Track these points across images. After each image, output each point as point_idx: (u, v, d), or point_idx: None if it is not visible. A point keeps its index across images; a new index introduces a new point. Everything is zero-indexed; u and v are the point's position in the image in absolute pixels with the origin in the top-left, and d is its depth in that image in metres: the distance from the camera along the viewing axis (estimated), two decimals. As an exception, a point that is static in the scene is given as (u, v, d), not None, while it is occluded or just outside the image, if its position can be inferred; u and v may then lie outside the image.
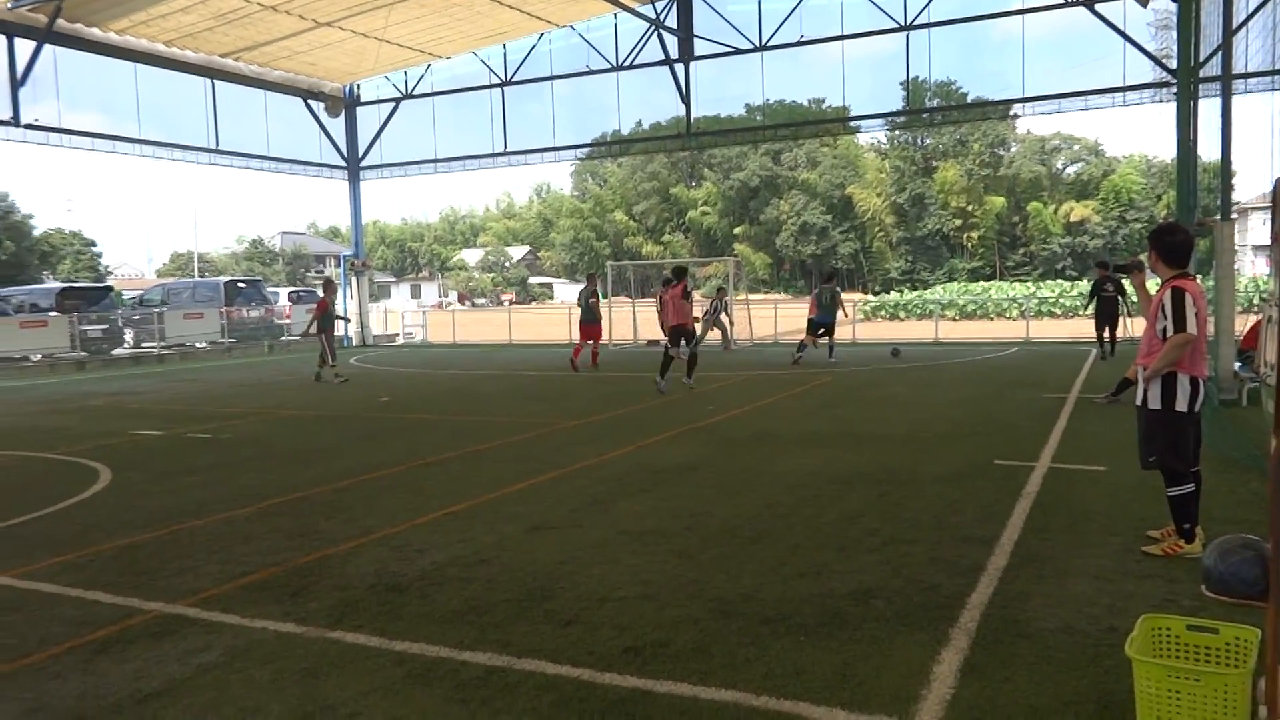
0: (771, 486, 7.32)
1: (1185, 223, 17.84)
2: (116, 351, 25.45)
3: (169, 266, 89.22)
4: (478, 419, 12.05)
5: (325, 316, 17.22)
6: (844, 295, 18.70)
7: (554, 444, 9.75)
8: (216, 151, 25.52)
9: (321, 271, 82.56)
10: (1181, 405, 5.17)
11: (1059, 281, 50.50)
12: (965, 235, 70.35)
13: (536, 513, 6.68)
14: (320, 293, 18.11)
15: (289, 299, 31.39)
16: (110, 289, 29.86)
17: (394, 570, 5.40)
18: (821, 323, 18.48)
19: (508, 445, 9.71)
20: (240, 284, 29.60)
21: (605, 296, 23.78)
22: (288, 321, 29.73)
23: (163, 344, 25.36)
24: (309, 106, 28.01)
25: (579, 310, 19.48)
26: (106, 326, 25.18)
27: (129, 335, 27.12)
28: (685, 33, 24.08)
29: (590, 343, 19.25)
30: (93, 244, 78.04)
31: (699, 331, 22.23)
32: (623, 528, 6.20)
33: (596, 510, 6.72)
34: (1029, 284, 49.47)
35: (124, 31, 22.34)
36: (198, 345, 26.37)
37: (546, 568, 5.36)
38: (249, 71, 25.68)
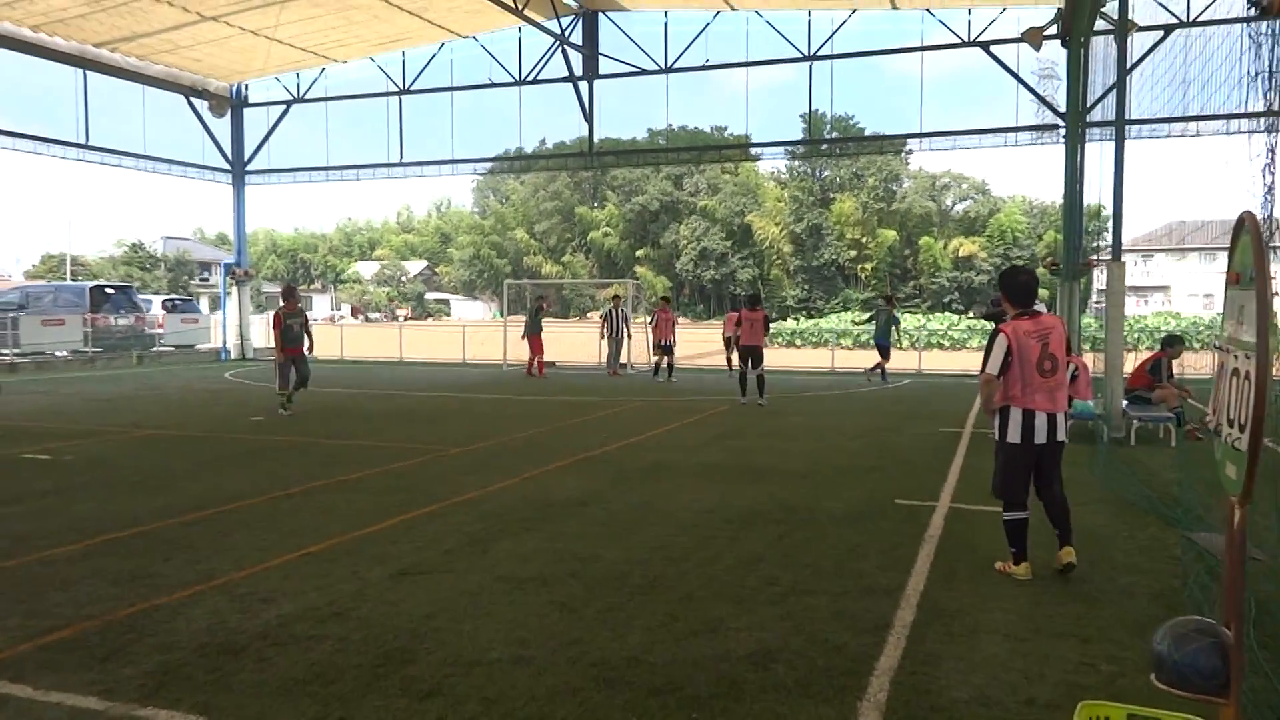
0: (665, 525, 6.85)
1: (1072, 260, 18.44)
2: (-37, 359, 23.38)
3: (39, 269, 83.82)
4: (355, 443, 11.25)
5: (284, 332, 13.92)
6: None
7: (435, 473, 9.08)
8: (86, 147, 23.84)
9: (207, 279, 79.09)
10: (1013, 437, 5.45)
11: (947, 314, 51.97)
12: (860, 266, 72.07)
13: (406, 554, 6.04)
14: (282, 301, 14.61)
15: (163, 307, 29.55)
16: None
17: (232, 626, 4.69)
18: (880, 345, 19.64)
19: (384, 474, 8.99)
20: (108, 289, 27.72)
21: (502, 315, 23.16)
22: (160, 331, 27.98)
23: (16, 352, 23.43)
24: (192, 105, 26.51)
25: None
26: (-48, 332, 23.14)
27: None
28: (590, 50, 23.73)
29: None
30: (-49, 242, 72.93)
31: (609, 349, 21.87)
32: (501, 573, 5.62)
33: (474, 551, 6.12)
34: (919, 316, 50.75)
35: (-16, 13, 20.68)
36: (58, 355, 24.48)
37: (410, 623, 4.74)
38: (126, 64, 24.13)
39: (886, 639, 4.50)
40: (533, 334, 21.49)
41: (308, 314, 14.81)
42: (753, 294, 17.57)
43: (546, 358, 23.28)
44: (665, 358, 20.61)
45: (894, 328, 20.82)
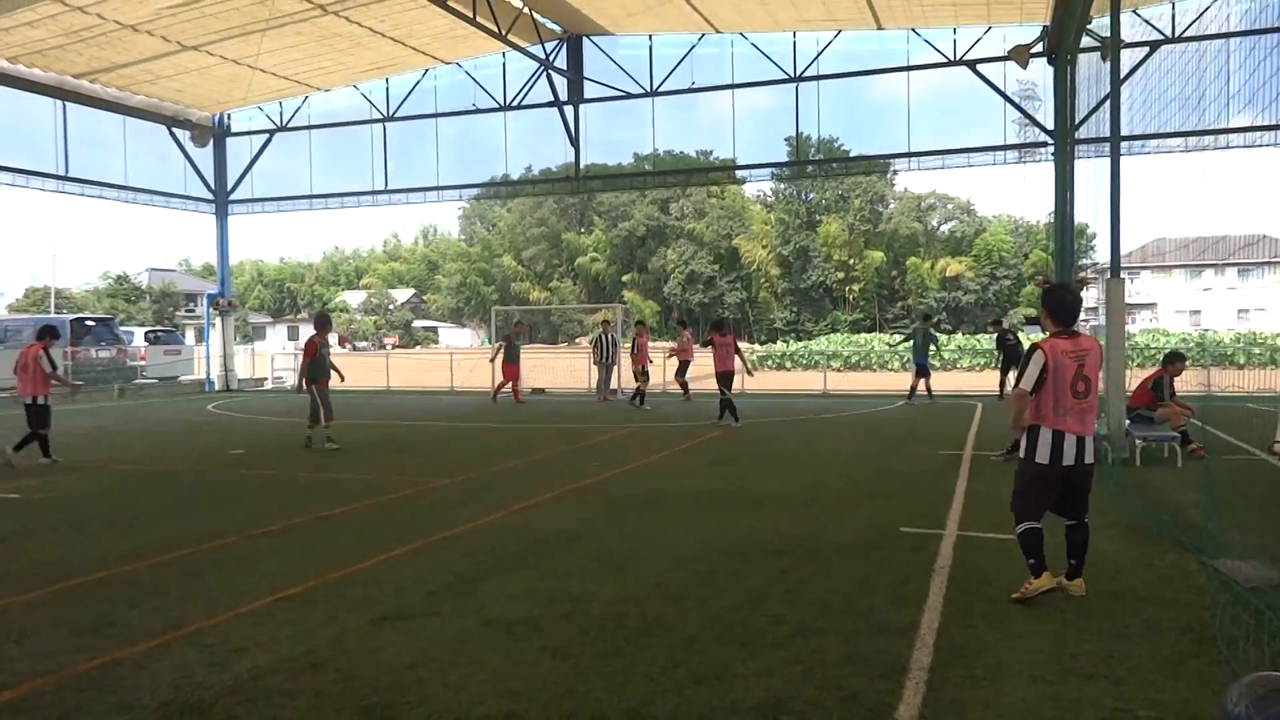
0: (662, 560, 6.52)
1: (1066, 280, 18.30)
2: (-61, 394, 22.89)
3: (23, 302, 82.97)
4: (337, 475, 10.89)
5: (315, 363, 13.12)
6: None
7: (420, 506, 8.74)
8: (66, 179, 23.52)
9: (192, 310, 78.50)
10: (1041, 457, 5.32)
11: (938, 334, 51.89)
12: (847, 288, 72.11)
13: (388, 596, 5.69)
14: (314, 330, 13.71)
15: (146, 339, 29.12)
16: (-66, 324, 27.11)
17: (198, 681, 4.34)
18: (920, 365, 19.53)
19: (367, 509, 8.64)
20: (89, 322, 27.27)
21: (490, 341, 22.86)
22: (143, 363, 27.54)
23: (-6, 386, 22.93)
24: (174, 135, 26.24)
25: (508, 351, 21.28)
26: (-72, 366, 22.62)
27: (-44, 376, 24.52)
28: (575, 74, 23.61)
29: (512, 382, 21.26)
30: (-66, 276, 72.37)
31: (599, 374, 21.56)
32: (490, 615, 5.28)
33: (461, 592, 5.78)
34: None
35: (-40, 44, 20.40)
36: (37, 388, 23.98)
37: (391, 674, 4.40)
38: (106, 95, 23.87)
39: (904, 684, 4.19)
40: (509, 361, 21.22)
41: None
42: (720, 319, 17.28)
43: (539, 384, 23.03)
44: (642, 384, 20.18)
45: (933, 346, 20.67)
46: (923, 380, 19.54)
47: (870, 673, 4.33)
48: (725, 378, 15.42)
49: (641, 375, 20.20)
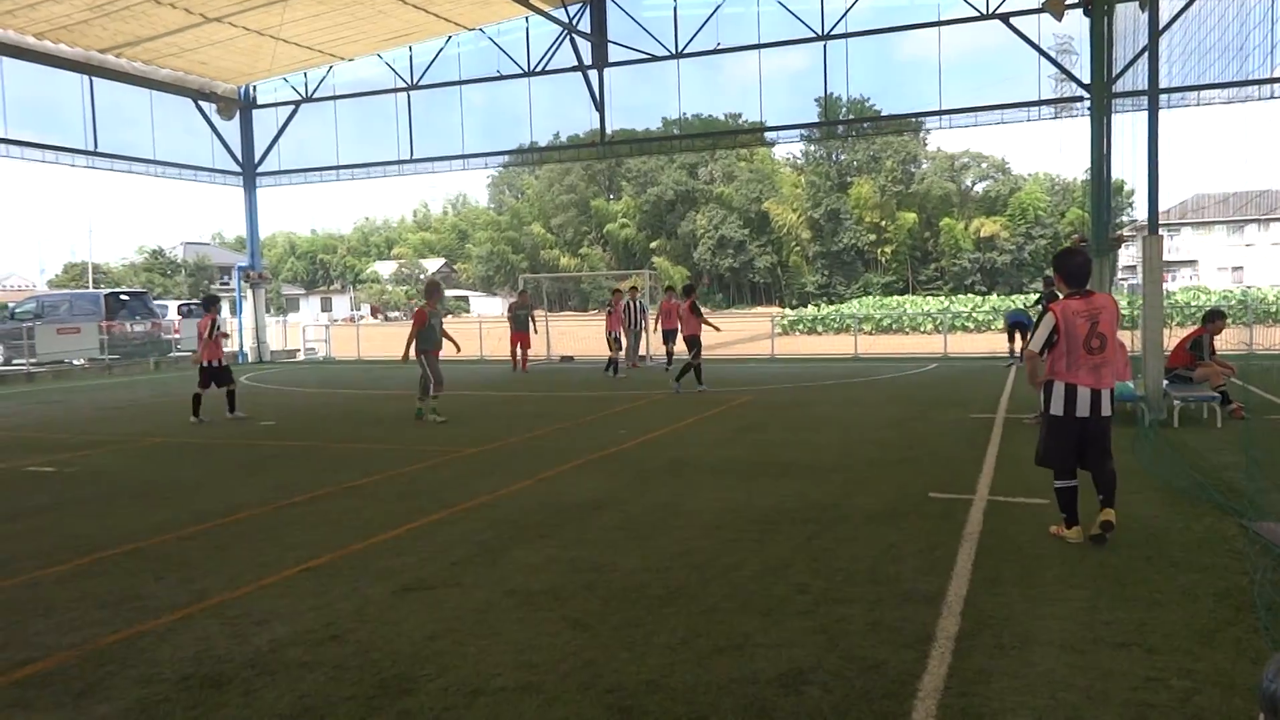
0: (686, 528, 6.46)
1: (1100, 237, 17.88)
2: (-19, 369, 23.37)
3: (62, 278, 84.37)
4: (365, 446, 10.94)
5: (424, 332, 12.48)
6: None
7: (446, 476, 8.74)
8: (95, 154, 23.70)
9: (227, 283, 79.34)
10: (1055, 409, 5.67)
11: (970, 296, 51.20)
12: (879, 250, 71.26)
13: (411, 567, 5.69)
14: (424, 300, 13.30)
15: (179, 312, 29.45)
16: (-27, 301, 27.59)
17: (219, 653, 4.35)
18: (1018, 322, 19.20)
19: (393, 478, 8.66)
20: (123, 296, 27.61)
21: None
22: (177, 336, 27.86)
23: (33, 361, 23.35)
24: (200, 108, 26.34)
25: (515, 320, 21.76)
26: (-31, 343, 23.10)
27: (-2, 352, 25.02)
28: (599, 38, 23.31)
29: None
30: (-25, 253, 73.72)
31: (624, 341, 21.47)
32: (511, 586, 5.26)
33: (483, 562, 5.76)
34: (942, 298, 50.01)
35: (-12, 22, 20.52)
36: (75, 363, 24.41)
37: (411, 645, 4.38)
38: (132, 69, 23.96)
39: (930, 653, 4.10)
40: (519, 330, 21.57)
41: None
42: (688, 284, 17.69)
43: (567, 352, 23.03)
44: (667, 347, 20.18)
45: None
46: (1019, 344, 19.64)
47: (895, 642, 4.24)
48: (693, 340, 15.67)
49: (666, 339, 20.20)
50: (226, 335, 13.77)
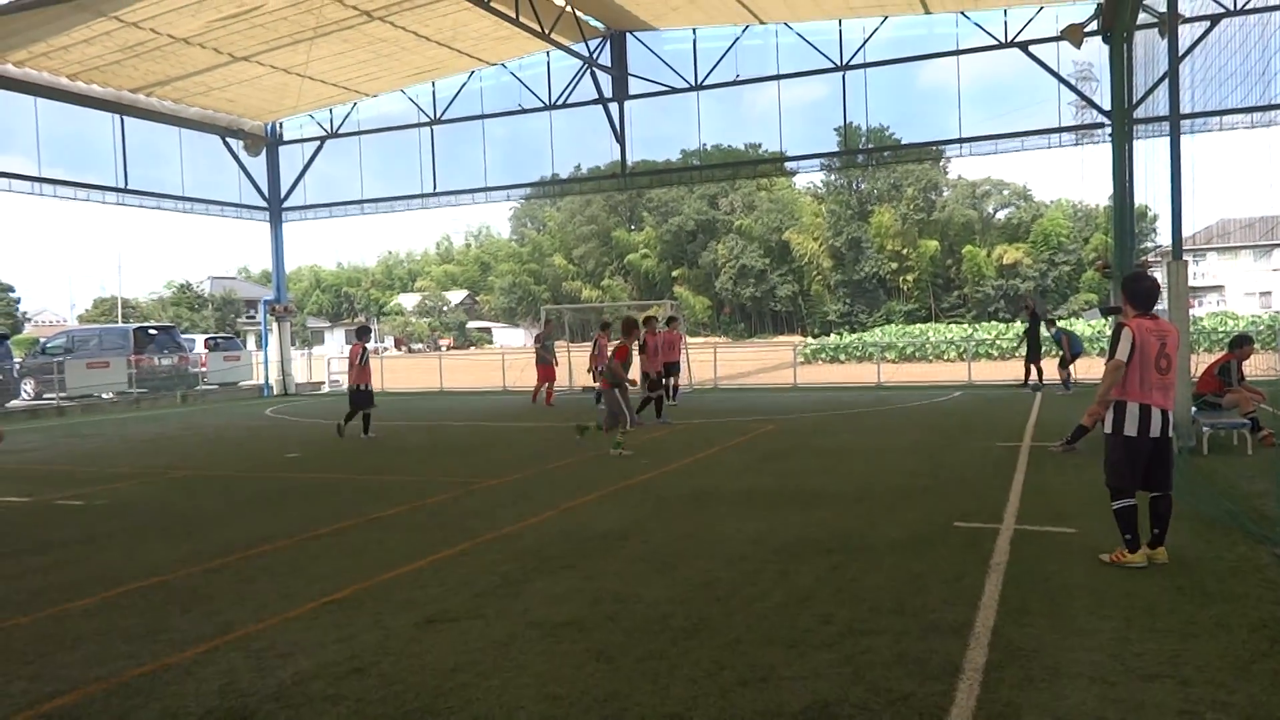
0: (710, 559, 6.43)
1: (1124, 263, 17.75)
2: (12, 404, 23.67)
3: (92, 313, 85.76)
4: (389, 478, 10.98)
5: (626, 365, 12.21)
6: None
7: (469, 507, 8.75)
8: (125, 191, 24.14)
9: (253, 317, 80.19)
10: (1130, 430, 5.69)
11: (994, 323, 50.87)
12: (901, 278, 71.12)
13: (434, 599, 5.69)
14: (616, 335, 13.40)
15: (205, 346, 29.79)
16: (6, 336, 27.95)
17: (243, 687, 4.36)
18: (1076, 354, 19.30)
19: (417, 510, 8.68)
20: (151, 330, 27.96)
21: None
22: (204, 370, 28.17)
23: (63, 395, 23.67)
24: (228, 145, 26.80)
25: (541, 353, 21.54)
26: (1, 377, 23.42)
27: (28, 386, 25.35)
28: (619, 71, 23.56)
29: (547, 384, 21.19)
30: (10, 289, 75.02)
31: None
32: (534, 618, 5.24)
33: (506, 594, 5.75)
34: (965, 326, 49.74)
35: (23, 64, 21.00)
36: (104, 396, 24.71)
37: (435, 678, 4.37)
38: (162, 108, 24.43)
39: (957, 686, 4.04)
40: (543, 363, 21.30)
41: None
42: (671, 315, 17.93)
43: (590, 384, 22.98)
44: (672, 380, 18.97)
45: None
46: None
47: (922, 674, 4.19)
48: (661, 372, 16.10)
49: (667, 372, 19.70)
50: (365, 362, 14.85)
